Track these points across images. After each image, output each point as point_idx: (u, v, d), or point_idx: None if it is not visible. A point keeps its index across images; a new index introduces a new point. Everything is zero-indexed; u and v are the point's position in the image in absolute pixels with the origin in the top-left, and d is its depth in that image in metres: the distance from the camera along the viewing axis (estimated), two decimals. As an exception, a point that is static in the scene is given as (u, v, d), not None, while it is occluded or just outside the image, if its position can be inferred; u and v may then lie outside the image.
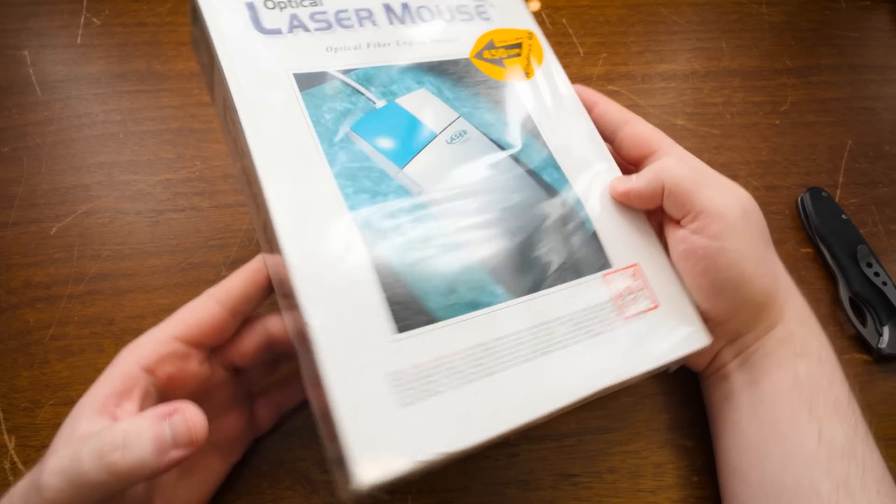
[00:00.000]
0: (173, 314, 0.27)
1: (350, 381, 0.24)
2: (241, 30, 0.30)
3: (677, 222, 0.29)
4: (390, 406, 0.24)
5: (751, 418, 0.30)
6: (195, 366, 0.27)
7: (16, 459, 0.33)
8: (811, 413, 0.28)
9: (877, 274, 0.38)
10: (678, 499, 0.33)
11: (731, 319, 0.30)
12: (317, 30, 0.31)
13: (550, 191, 0.31)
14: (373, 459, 0.23)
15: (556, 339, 0.27)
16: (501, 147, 0.31)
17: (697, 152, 0.42)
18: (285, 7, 0.31)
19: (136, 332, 0.35)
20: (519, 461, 0.33)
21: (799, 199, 0.41)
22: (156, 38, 0.43)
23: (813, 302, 0.39)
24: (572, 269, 0.29)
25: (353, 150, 0.29)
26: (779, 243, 0.40)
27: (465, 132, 0.31)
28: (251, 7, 0.31)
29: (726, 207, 0.28)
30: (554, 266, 0.29)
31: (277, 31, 0.30)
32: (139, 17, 0.43)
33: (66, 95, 0.41)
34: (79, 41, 0.43)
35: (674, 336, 0.29)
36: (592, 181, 0.32)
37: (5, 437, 0.33)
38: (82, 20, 0.43)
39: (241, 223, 0.38)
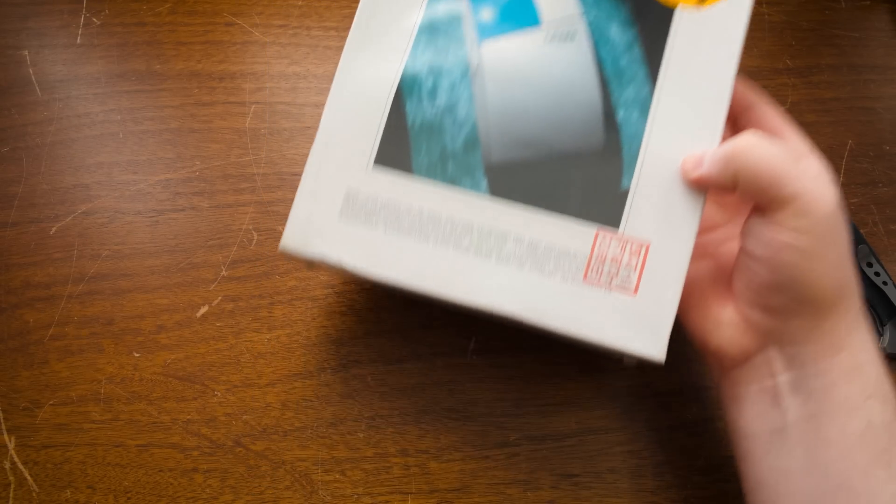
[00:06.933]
0: None
1: (320, 177, 0.28)
2: None
3: (759, 209, 0.25)
4: (334, 213, 0.28)
5: (810, 469, 0.24)
6: None
7: (16, 459, 0.33)
8: (889, 470, 0.23)
9: (877, 274, 0.38)
10: (679, 499, 0.33)
11: (784, 322, 0.25)
12: None
13: (611, 132, 0.27)
14: (298, 236, 0.28)
15: (503, 251, 0.27)
16: (601, 68, 0.28)
17: (697, 152, 0.42)
18: None
19: (136, 332, 0.36)
20: (519, 461, 0.33)
21: (799, 199, 0.41)
22: (155, 37, 0.43)
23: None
24: (570, 206, 0.27)
25: (452, 4, 0.29)
26: (779, 243, 0.40)
27: (573, 35, 0.28)
28: None
29: (822, 199, 0.23)
30: (551, 193, 0.27)
31: None
32: (139, 16, 0.43)
33: (65, 95, 0.41)
34: (78, 41, 0.43)
35: (626, 327, 0.26)
36: (671, 147, 0.27)
37: (5, 437, 0.33)
38: (82, 20, 0.43)
39: (240, 223, 0.38)
